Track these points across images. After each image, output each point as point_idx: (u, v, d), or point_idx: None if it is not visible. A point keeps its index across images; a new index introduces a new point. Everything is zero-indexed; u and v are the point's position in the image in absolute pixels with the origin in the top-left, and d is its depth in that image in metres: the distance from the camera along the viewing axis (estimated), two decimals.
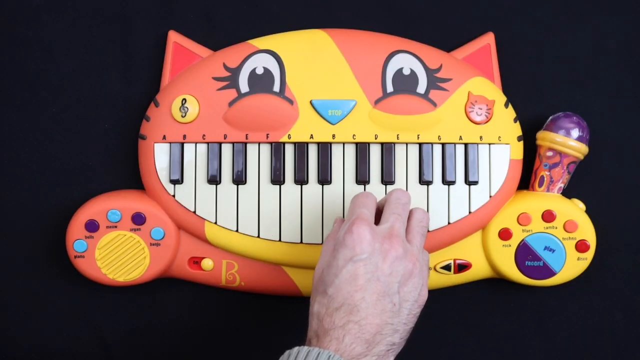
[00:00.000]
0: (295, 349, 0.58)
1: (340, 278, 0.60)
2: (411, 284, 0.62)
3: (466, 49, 0.75)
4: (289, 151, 0.73)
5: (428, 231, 0.72)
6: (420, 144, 0.73)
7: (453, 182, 0.73)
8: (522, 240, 0.73)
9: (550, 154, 0.72)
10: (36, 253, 0.77)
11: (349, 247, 0.61)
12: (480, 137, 0.72)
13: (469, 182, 0.73)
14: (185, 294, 0.77)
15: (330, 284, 0.60)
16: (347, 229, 0.62)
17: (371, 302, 0.59)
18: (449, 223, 0.73)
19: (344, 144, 0.73)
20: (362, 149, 0.72)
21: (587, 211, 0.74)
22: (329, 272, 0.61)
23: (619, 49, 0.76)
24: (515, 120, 0.74)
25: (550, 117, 0.74)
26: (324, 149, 0.72)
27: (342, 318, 0.59)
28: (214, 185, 0.73)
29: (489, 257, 0.74)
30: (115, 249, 0.72)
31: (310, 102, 0.72)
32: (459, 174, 0.73)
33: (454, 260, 0.74)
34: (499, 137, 0.73)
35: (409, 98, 0.72)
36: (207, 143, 0.72)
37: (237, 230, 0.72)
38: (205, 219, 0.72)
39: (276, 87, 0.72)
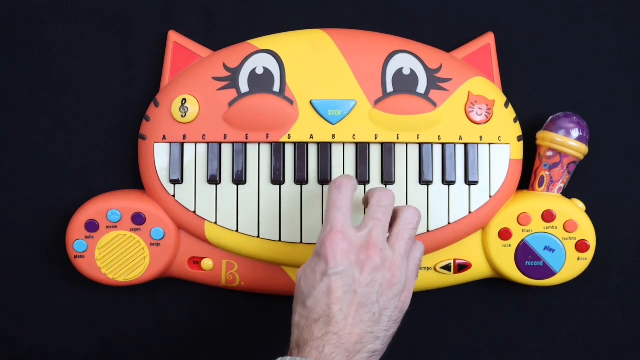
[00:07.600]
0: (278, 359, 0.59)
1: (318, 290, 0.60)
2: (391, 292, 0.61)
3: (466, 49, 0.75)
4: (289, 151, 0.73)
5: (428, 231, 0.72)
6: (420, 144, 0.73)
7: (453, 182, 0.73)
8: (522, 240, 0.73)
9: (550, 154, 0.72)
10: (36, 253, 0.77)
11: (323, 261, 0.61)
12: (480, 137, 0.72)
13: (469, 182, 0.73)
14: (185, 294, 0.77)
15: (308, 295, 0.61)
16: (322, 242, 0.61)
17: (350, 313, 0.59)
18: (449, 223, 0.72)
19: (344, 144, 0.73)
20: (362, 149, 0.72)
21: (587, 211, 0.74)
22: (307, 283, 0.61)
23: (618, 49, 0.76)
24: (515, 120, 0.74)
25: (550, 117, 0.74)
26: (324, 149, 0.72)
27: (320, 329, 0.59)
28: (214, 185, 0.73)
29: (489, 257, 0.74)
30: (115, 249, 0.72)
31: (310, 102, 0.72)
32: (459, 174, 0.73)
33: (454, 260, 0.74)
34: (499, 137, 0.73)
35: (409, 98, 0.72)
36: (207, 143, 0.72)
37: (237, 230, 0.72)
38: (205, 219, 0.72)
39: (276, 87, 0.72)
